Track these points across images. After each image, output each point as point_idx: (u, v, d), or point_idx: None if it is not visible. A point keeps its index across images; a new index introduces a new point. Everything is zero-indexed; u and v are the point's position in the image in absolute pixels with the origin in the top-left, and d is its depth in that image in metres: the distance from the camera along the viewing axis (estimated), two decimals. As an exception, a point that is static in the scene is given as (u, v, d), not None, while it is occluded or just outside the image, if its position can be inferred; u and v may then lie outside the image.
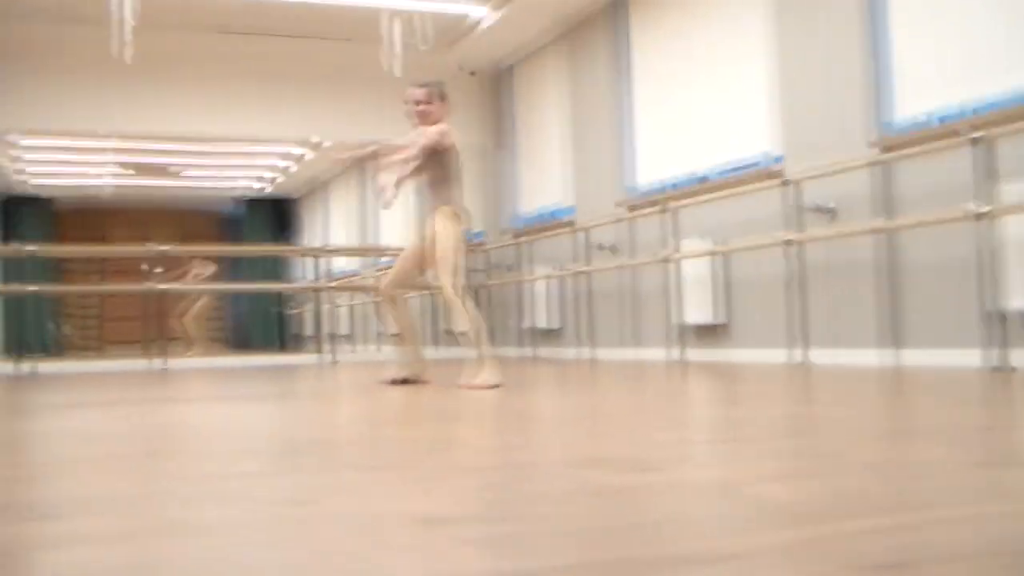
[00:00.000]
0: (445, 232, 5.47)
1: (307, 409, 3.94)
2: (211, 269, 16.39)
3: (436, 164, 5.56)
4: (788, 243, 6.78)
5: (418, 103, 5.68)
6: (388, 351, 14.03)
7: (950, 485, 1.71)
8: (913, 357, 6.20)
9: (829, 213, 6.79)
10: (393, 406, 3.99)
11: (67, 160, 15.98)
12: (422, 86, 5.75)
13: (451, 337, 12.69)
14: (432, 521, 1.46)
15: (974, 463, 1.96)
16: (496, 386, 5.01)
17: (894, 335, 6.34)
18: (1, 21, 9.98)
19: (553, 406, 3.78)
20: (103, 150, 15.14)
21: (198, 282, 16.06)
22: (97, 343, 21.74)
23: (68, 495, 1.80)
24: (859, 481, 1.75)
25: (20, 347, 18.74)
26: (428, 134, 5.51)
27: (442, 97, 5.75)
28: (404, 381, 5.65)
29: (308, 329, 18.84)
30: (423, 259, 5.69)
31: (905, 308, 6.29)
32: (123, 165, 16.33)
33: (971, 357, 5.74)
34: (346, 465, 2.15)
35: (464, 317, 5.36)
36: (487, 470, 2.01)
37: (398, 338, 5.84)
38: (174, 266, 18.26)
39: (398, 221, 15.49)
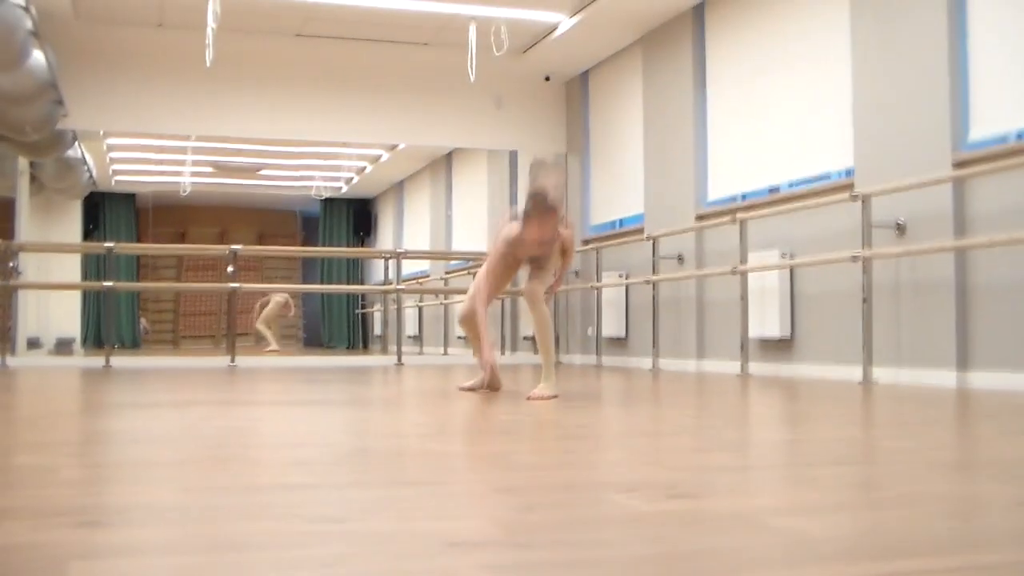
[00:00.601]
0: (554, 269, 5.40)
1: (362, 417, 4.00)
2: (282, 298, 16.98)
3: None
4: (855, 259, 6.71)
5: (547, 195, 5.10)
6: (454, 354, 14.13)
7: (1001, 526, 1.70)
8: (981, 379, 6.10)
9: (900, 229, 6.70)
10: (446, 417, 4.03)
11: (149, 158, 16.35)
12: (547, 167, 5.44)
13: (526, 342, 12.76)
14: (458, 544, 1.49)
15: (1018, 501, 1.94)
16: (554, 396, 5.01)
17: (962, 356, 6.23)
18: (94, 25, 10.25)
19: (606, 422, 3.79)
20: (184, 149, 15.47)
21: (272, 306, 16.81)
22: (172, 336, 22.19)
23: (118, 502, 1.86)
24: (901, 517, 1.74)
25: (99, 340, 19.23)
26: (571, 241, 5.42)
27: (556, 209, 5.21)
28: (471, 389, 5.65)
29: (379, 329, 19.04)
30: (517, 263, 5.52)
31: (976, 329, 6.19)
32: (205, 165, 16.66)
33: (1041, 381, 5.63)
34: (389, 480, 2.19)
35: (543, 322, 5.28)
36: (523, 491, 2.03)
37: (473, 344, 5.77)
38: (212, 266, 18.90)
39: (472, 224, 15.60)
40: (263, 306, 17.53)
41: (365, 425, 3.59)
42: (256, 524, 1.65)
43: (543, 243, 5.18)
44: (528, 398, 4.92)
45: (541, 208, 5.05)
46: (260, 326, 17.16)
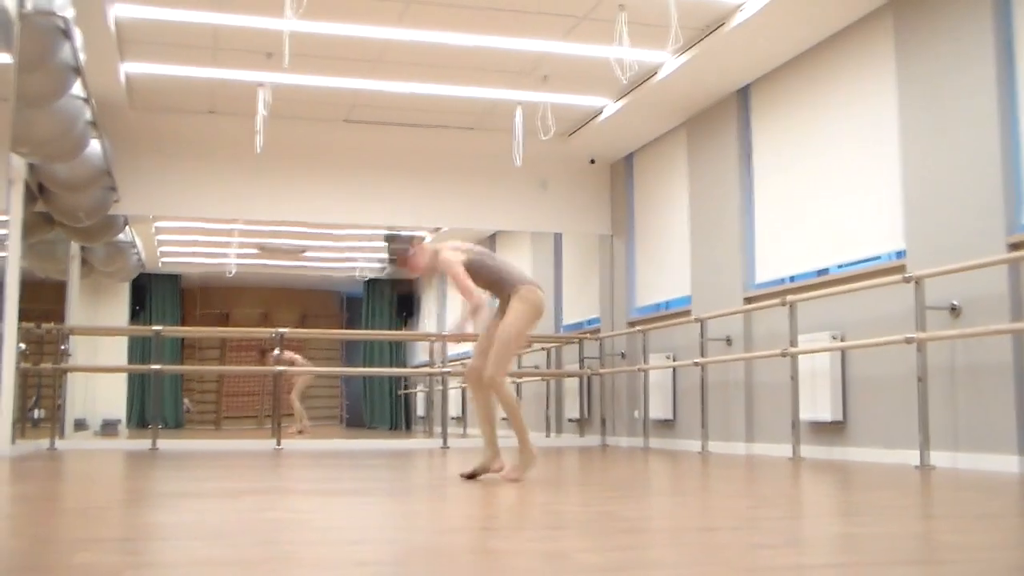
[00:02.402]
0: (516, 313, 5.57)
1: (416, 509, 3.95)
2: (298, 358, 16.79)
3: (475, 277, 5.64)
4: (909, 341, 6.62)
5: (393, 261, 5.77)
6: (498, 435, 14.02)
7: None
8: (1044, 465, 5.96)
9: (954, 311, 6.62)
10: (500, 507, 3.98)
11: (195, 240, 16.57)
12: (389, 246, 5.81)
13: (571, 424, 12.65)
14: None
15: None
16: (518, 479, 5.17)
17: (1023, 441, 6.10)
18: (148, 114, 10.46)
19: (663, 513, 3.72)
20: (230, 231, 15.66)
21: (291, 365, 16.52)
22: (215, 417, 22.27)
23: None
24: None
25: (143, 420, 19.32)
26: (451, 273, 5.59)
27: (408, 242, 5.77)
28: (476, 474, 5.57)
29: (422, 410, 19.00)
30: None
31: (1035, 414, 6.06)
32: (250, 246, 16.84)
33: (1107, 468, 5.49)
34: (456, 582, 2.15)
35: (511, 404, 5.47)
36: (597, 596, 1.98)
37: (482, 424, 5.78)
38: (255, 347, 18.65)
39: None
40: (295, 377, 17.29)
41: (420, 518, 3.54)
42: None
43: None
44: (502, 477, 5.24)
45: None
46: (295, 399, 16.93)
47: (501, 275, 5.69)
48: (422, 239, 5.79)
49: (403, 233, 5.77)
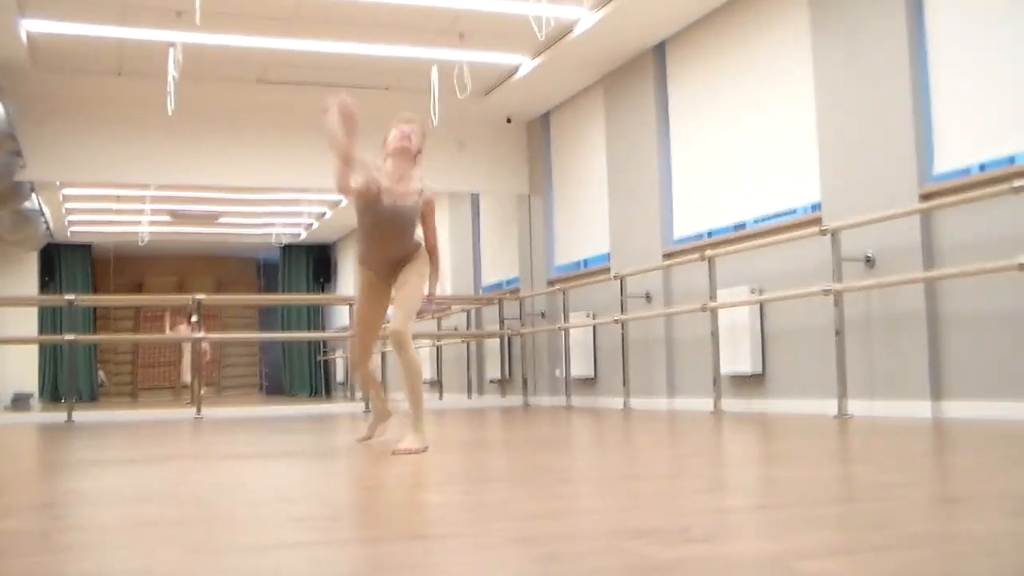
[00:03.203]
0: (421, 269, 4.94)
1: (344, 468, 3.94)
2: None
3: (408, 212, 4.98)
4: (826, 293, 6.74)
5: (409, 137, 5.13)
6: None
7: None
8: (956, 409, 6.13)
9: (869, 263, 6.75)
10: (429, 466, 3.98)
11: (106, 208, 16.19)
12: (409, 121, 5.25)
13: (492, 385, 12.69)
14: (490, 602, 1.45)
15: (1035, 536, 1.93)
16: (423, 450, 4.54)
17: (935, 387, 6.27)
18: (52, 75, 10.15)
19: (594, 465, 3.76)
20: (142, 198, 15.33)
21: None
22: (131, 388, 21.89)
23: (129, 568, 1.80)
24: (932, 558, 1.72)
25: (55, 394, 18.94)
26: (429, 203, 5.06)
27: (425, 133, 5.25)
28: (371, 436, 5.29)
29: (341, 376, 18.89)
30: (382, 309, 5.09)
31: (948, 359, 6.23)
32: (163, 213, 16.51)
33: (1016, 410, 5.67)
34: (397, 534, 2.14)
35: (415, 370, 4.76)
36: (538, 541, 1.99)
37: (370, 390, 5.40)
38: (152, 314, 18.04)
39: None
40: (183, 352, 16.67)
41: (350, 477, 3.53)
42: (274, 586, 1.60)
43: (400, 194, 4.88)
44: (394, 452, 4.45)
45: (399, 147, 5.04)
46: (186, 374, 16.36)
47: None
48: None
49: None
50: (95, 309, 20.91)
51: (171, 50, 9.23)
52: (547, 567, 1.71)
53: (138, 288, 21.13)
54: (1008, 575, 1.60)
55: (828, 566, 1.65)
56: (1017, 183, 5.43)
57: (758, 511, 2.39)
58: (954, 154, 6.34)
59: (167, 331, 16.12)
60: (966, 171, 6.31)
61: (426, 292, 4.91)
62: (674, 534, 2.02)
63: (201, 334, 10.34)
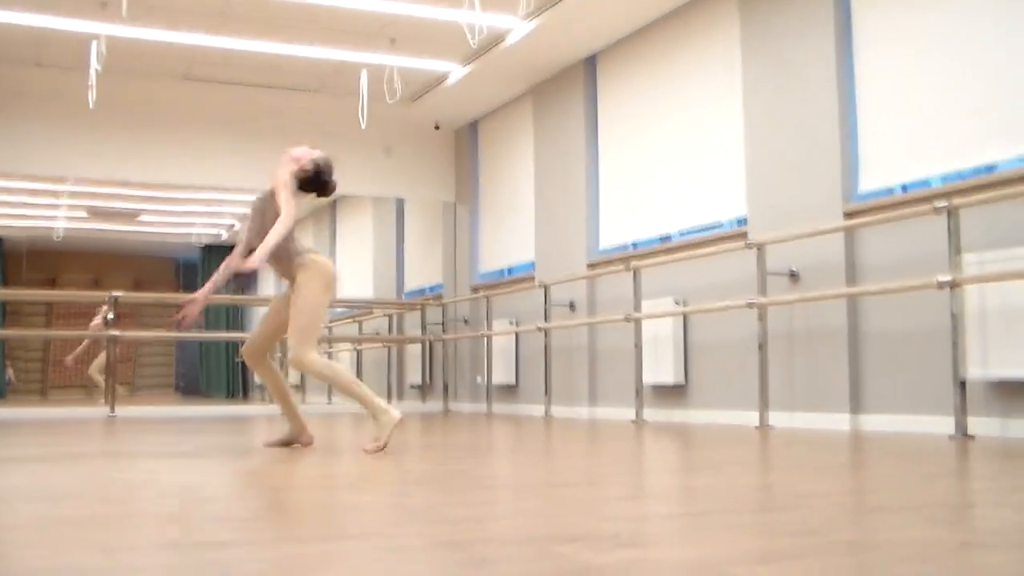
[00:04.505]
0: (310, 296, 4.85)
1: (262, 469, 3.86)
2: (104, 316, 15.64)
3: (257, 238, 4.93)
4: (751, 306, 6.80)
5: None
6: (338, 403, 13.89)
7: (955, 570, 1.68)
8: (872, 422, 6.23)
9: (793, 277, 6.83)
10: (348, 468, 3.92)
11: (20, 201, 15.77)
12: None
13: (413, 391, 12.60)
14: (421, 604, 1.41)
15: (961, 543, 1.94)
16: (384, 447, 4.59)
17: (854, 400, 6.36)
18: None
19: (516, 471, 3.73)
20: (58, 193, 14.97)
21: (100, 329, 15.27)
22: (40, 387, 21.34)
23: (40, 567, 1.72)
24: (864, 564, 1.72)
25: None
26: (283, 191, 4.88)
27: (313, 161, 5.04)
28: (284, 444, 5.10)
29: (259, 378, 18.65)
30: (282, 322, 5.04)
31: (866, 374, 6.32)
32: (80, 208, 16.14)
33: (929, 424, 5.77)
34: (321, 534, 2.09)
35: (331, 376, 4.77)
36: (466, 545, 1.95)
37: (276, 399, 5.20)
38: (84, 313, 17.49)
39: (356, 272, 15.43)
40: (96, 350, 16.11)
41: (269, 477, 3.46)
42: (194, 585, 1.54)
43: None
44: (364, 451, 4.53)
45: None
46: (94, 373, 15.92)
47: (287, 240, 4.89)
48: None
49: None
50: (4, 304, 20.36)
51: (94, 42, 9.02)
52: (477, 570, 1.68)
53: (51, 284, 20.59)
54: (938, 583, 1.60)
55: (761, 572, 1.64)
56: (938, 203, 5.54)
57: (684, 518, 2.38)
58: (878, 174, 6.45)
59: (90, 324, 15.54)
60: (889, 191, 6.42)
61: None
62: (605, 540, 2.00)
63: (116, 332, 10.11)
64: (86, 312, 19.80)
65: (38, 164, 10.41)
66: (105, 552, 1.85)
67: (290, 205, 4.83)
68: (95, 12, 8.61)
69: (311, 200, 5.19)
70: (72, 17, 8.79)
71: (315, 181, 5.03)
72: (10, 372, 20.54)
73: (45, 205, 16.01)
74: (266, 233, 4.78)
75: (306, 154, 5.03)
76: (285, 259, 4.93)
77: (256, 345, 5.13)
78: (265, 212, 4.94)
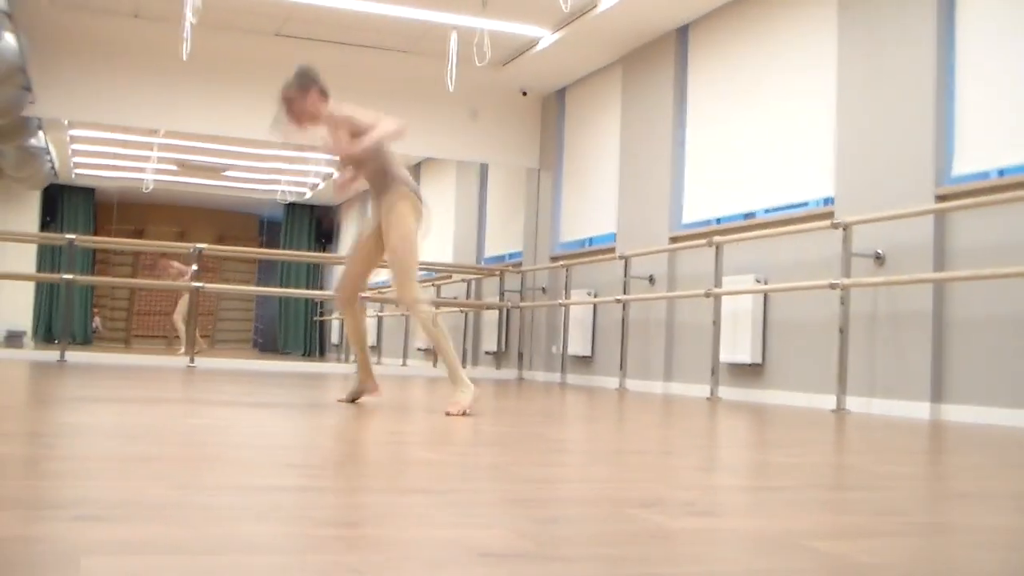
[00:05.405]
0: (401, 223, 4.75)
1: (338, 423, 3.88)
2: (190, 270, 15.73)
3: (370, 158, 4.84)
4: (833, 287, 6.68)
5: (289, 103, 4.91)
6: (413, 365, 13.99)
7: (1030, 558, 1.62)
8: (955, 412, 6.08)
9: (878, 260, 6.69)
10: (424, 427, 3.93)
11: (112, 152, 16.08)
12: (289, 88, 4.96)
13: (488, 357, 12.64)
14: (489, 555, 1.39)
15: (1048, 535, 1.87)
16: (467, 412, 4.54)
17: (935, 389, 6.22)
18: (68, 11, 10.04)
19: (591, 438, 3.70)
20: (149, 145, 15.22)
21: (181, 280, 15.38)
22: (125, 335, 21.83)
23: (111, 497, 1.74)
24: (943, 546, 1.66)
25: (49, 334, 18.90)
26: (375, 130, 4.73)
27: (303, 87, 4.92)
28: (354, 398, 5.11)
29: (336, 338, 18.85)
30: (372, 257, 4.97)
31: (951, 362, 6.17)
32: (169, 162, 16.41)
33: (1016, 417, 5.62)
34: (393, 487, 2.08)
35: (432, 332, 4.70)
36: (539, 503, 1.93)
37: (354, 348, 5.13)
38: (154, 264, 17.68)
39: (438, 235, 15.49)
40: (178, 299, 16.13)
41: (342, 430, 3.47)
42: (264, 526, 1.54)
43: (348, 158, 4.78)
44: (447, 413, 4.48)
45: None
46: (178, 321, 15.91)
47: (388, 156, 4.85)
48: (325, 93, 4.97)
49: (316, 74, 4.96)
50: (94, 253, 20.83)
51: (190, -5, 9.11)
52: (548, 528, 1.65)
53: (139, 235, 21.00)
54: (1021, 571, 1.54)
55: (841, 547, 1.60)
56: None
57: (759, 491, 2.34)
58: (974, 157, 6.27)
59: (167, 268, 15.56)
60: (985, 175, 6.24)
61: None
62: (677, 506, 1.97)
63: (200, 283, 10.27)
64: (170, 265, 20.09)
65: (131, 116, 10.59)
66: (178, 489, 1.87)
67: (391, 117, 4.72)
68: (192, -34, 8.70)
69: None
70: (169, -30, 8.89)
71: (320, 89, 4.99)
72: (97, 320, 21.05)
73: (136, 157, 16.31)
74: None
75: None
76: (381, 175, 4.83)
77: (349, 288, 5.00)
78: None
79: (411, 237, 4.75)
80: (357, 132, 4.74)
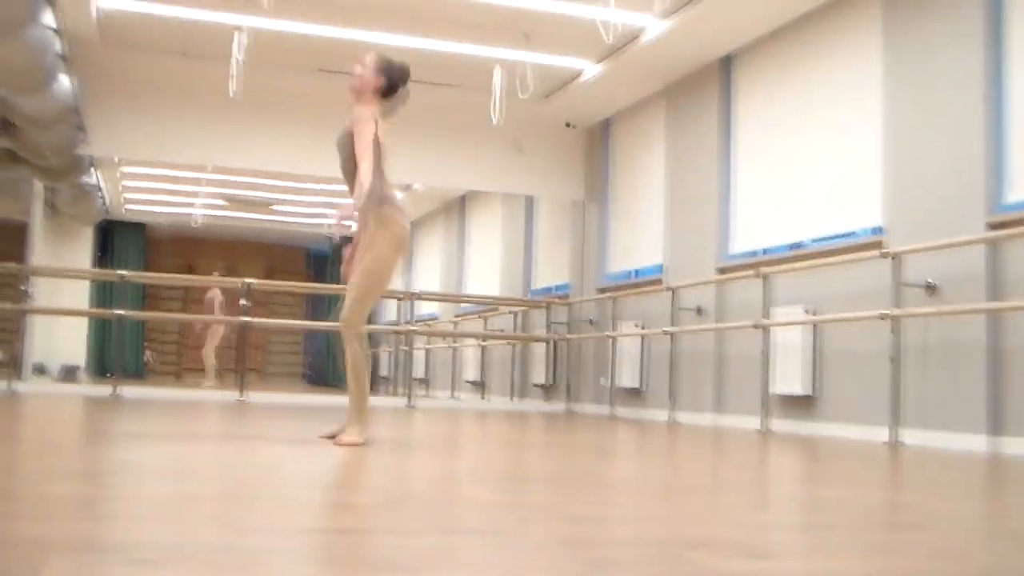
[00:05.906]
0: (378, 255, 4.63)
1: (391, 460, 3.89)
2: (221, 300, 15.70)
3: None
4: (883, 317, 6.60)
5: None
6: (463, 398, 13.99)
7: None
8: (1015, 445, 5.97)
9: (929, 289, 6.61)
10: (477, 462, 3.92)
11: (162, 188, 16.31)
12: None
13: (536, 390, 12.61)
14: (544, 602, 1.38)
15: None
16: (362, 444, 4.37)
17: (992, 421, 6.11)
18: (120, 52, 10.21)
19: (644, 475, 3.68)
20: (198, 180, 15.42)
21: (220, 312, 15.42)
22: (176, 369, 22.06)
23: (164, 540, 1.76)
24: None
25: (101, 368, 19.11)
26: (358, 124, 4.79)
27: (381, 70, 4.99)
28: (332, 437, 4.67)
29: (385, 370, 18.91)
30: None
31: (1009, 394, 6.07)
32: (217, 196, 16.61)
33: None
34: (446, 528, 2.08)
35: (359, 362, 4.57)
36: (590, 545, 1.92)
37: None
38: (200, 297, 17.75)
39: (484, 268, 15.52)
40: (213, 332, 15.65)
41: (397, 469, 3.48)
42: (315, 570, 1.54)
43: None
44: (335, 443, 4.36)
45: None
46: (209, 355, 15.60)
47: (378, 177, 4.74)
48: (384, 92, 5.07)
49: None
50: (145, 288, 21.10)
51: (237, 34, 9.25)
52: (602, 571, 1.64)
53: (189, 270, 21.27)
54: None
55: (896, 592, 1.57)
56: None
57: (812, 531, 2.31)
58: (1025, 184, 6.18)
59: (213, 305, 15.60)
60: (1037, 202, 6.15)
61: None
62: (731, 547, 1.95)
63: (249, 318, 10.36)
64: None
65: (180, 153, 10.74)
66: (231, 531, 1.88)
67: (369, 150, 4.77)
68: (239, 4, 8.83)
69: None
70: (218, 10, 9.03)
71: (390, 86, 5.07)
72: (148, 354, 21.30)
73: (185, 192, 16.52)
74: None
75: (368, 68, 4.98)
76: (373, 198, 4.69)
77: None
78: (347, 147, 4.91)
79: (383, 273, 4.65)
80: (351, 142, 4.86)
